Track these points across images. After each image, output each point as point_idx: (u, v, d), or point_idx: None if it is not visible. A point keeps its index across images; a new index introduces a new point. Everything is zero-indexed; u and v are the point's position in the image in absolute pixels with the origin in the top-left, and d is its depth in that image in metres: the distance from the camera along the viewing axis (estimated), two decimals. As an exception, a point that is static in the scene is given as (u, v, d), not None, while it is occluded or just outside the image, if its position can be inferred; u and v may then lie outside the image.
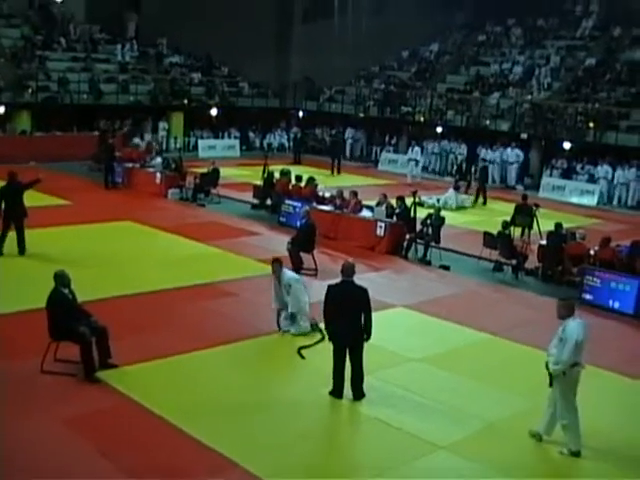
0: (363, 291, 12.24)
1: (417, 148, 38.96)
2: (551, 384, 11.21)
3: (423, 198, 27.99)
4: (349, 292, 12.32)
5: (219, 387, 12.77)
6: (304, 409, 12.11)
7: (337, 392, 12.34)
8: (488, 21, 50.99)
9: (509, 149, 38.16)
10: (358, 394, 12.31)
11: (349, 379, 12.35)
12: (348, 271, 12.39)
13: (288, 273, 15.50)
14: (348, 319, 12.14)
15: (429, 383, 13.44)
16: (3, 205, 19.44)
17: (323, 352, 12.65)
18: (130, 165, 31.28)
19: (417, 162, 38.01)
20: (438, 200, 29.49)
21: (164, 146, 41.80)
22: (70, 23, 45.18)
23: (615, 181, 35.06)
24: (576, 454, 11.15)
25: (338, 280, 12.48)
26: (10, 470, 9.88)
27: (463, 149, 40.18)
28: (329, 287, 12.50)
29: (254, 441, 10.98)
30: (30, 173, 21.32)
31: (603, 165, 35.46)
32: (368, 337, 12.26)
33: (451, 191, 30.86)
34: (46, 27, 44.13)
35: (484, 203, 31.99)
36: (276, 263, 15.26)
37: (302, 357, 13.49)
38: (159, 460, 10.41)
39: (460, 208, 29.99)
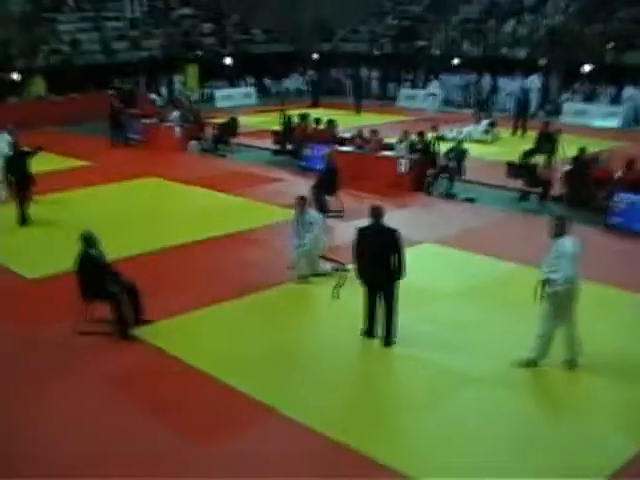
0: (394, 232, 12.07)
1: (436, 82, 38.61)
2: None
3: (444, 132, 27.77)
4: (379, 234, 12.18)
5: (253, 336, 12.83)
6: (338, 351, 12.16)
7: (368, 331, 12.39)
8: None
9: (535, 76, 37.49)
10: (388, 340, 12.25)
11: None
12: (377, 213, 12.26)
13: (312, 212, 15.53)
14: (379, 261, 12.00)
15: (460, 318, 13.42)
16: (12, 177, 19.39)
17: (352, 294, 12.63)
18: (148, 121, 31.20)
19: (436, 96, 37.64)
20: (461, 132, 29.20)
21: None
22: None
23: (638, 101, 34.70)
24: (533, 363, 11.41)
25: (367, 223, 12.38)
26: (57, 430, 10.06)
27: (487, 80, 39.80)
28: (359, 230, 12.41)
29: (295, 386, 11.12)
30: (39, 139, 21.25)
31: (630, 87, 35.00)
32: (400, 277, 12.09)
33: (484, 123, 30.53)
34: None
35: (523, 134, 30.69)
36: (301, 200, 15.24)
37: (337, 297, 13.47)
38: (202, 412, 10.52)
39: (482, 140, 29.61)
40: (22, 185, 19.35)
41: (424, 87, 40.80)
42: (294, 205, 15.26)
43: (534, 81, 37.11)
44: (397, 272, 12.02)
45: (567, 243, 11.06)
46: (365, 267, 12.19)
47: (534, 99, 36.77)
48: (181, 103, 32.87)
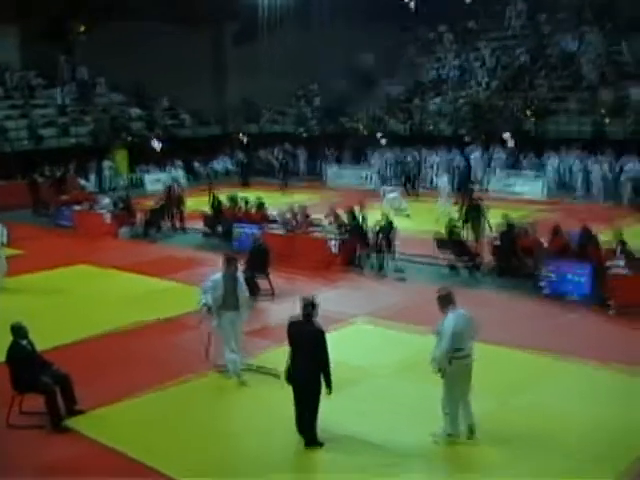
0: (320, 333, 11.45)
1: (377, 158, 39.29)
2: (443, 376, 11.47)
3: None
4: (305, 333, 11.53)
5: (189, 422, 12.72)
6: (274, 436, 12.01)
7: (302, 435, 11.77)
8: (420, 28, 51.48)
9: (474, 147, 38.37)
10: (308, 441, 11.64)
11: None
12: (307, 307, 11.54)
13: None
14: (302, 361, 11.45)
15: (397, 393, 13.53)
16: None
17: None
18: (78, 208, 31.05)
19: (378, 172, 38.43)
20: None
21: (111, 184, 41.66)
22: (6, 71, 44.77)
23: (561, 169, 35.72)
24: (451, 435, 11.51)
25: (299, 317, 11.69)
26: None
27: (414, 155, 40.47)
28: (289, 324, 11.81)
29: (227, 474, 10.99)
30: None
31: (552, 156, 35.94)
32: (329, 389, 11.41)
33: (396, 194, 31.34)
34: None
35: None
36: (234, 260, 14.71)
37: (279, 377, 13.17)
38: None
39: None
40: None
41: (355, 163, 41.80)
42: (223, 265, 14.58)
43: (474, 152, 37.85)
44: (326, 380, 11.40)
45: (446, 322, 11.27)
46: (293, 366, 11.60)
47: (479, 170, 37.46)
48: (173, 190, 31.43)
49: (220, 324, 14.24)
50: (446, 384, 11.41)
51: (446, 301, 11.49)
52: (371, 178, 38.99)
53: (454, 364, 11.21)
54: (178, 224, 29.67)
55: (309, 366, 11.38)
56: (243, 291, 14.46)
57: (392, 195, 30.68)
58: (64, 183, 36.14)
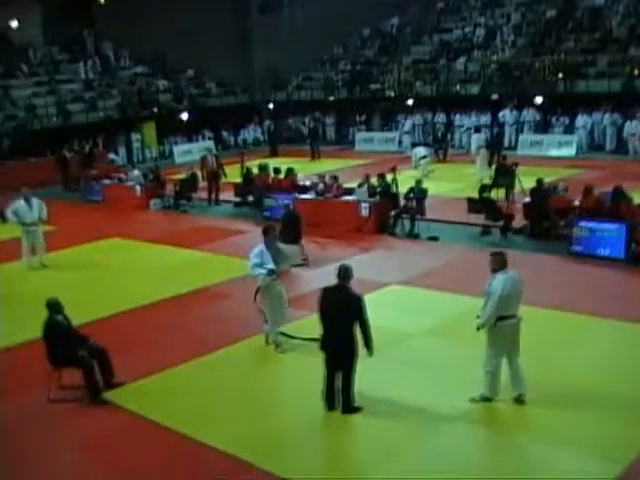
0: (358, 299, 11.30)
1: (409, 121, 39.03)
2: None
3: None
4: (342, 300, 11.36)
5: (226, 391, 12.76)
6: (308, 401, 11.96)
7: (328, 404, 11.66)
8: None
9: (507, 110, 37.88)
10: (345, 408, 11.52)
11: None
12: (343, 274, 11.37)
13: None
14: (338, 329, 11.31)
15: (434, 355, 13.50)
16: None
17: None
18: (108, 182, 31.16)
19: (410, 133, 38.40)
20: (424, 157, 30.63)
21: (139, 157, 41.79)
22: (29, 48, 44.92)
23: (594, 128, 35.42)
24: (487, 399, 11.44)
25: (333, 284, 11.55)
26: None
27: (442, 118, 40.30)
28: (323, 291, 11.63)
29: (267, 441, 11.00)
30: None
31: (583, 115, 35.57)
32: (370, 352, 11.34)
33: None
34: (5, 56, 43.86)
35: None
36: (272, 228, 14.59)
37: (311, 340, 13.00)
38: (178, 473, 10.39)
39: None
40: None
41: (383, 129, 41.52)
42: (263, 236, 14.39)
43: (506, 115, 37.52)
44: (367, 345, 11.28)
45: (495, 282, 11.12)
46: (325, 334, 11.47)
47: (510, 133, 37.21)
48: (207, 160, 30.24)
49: (269, 295, 14.20)
50: (489, 343, 11.32)
51: (500, 262, 11.30)
52: (400, 142, 38.81)
53: (499, 326, 11.13)
54: (213, 197, 29.34)
55: (344, 333, 11.27)
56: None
57: (423, 156, 30.63)
58: (93, 158, 36.30)
